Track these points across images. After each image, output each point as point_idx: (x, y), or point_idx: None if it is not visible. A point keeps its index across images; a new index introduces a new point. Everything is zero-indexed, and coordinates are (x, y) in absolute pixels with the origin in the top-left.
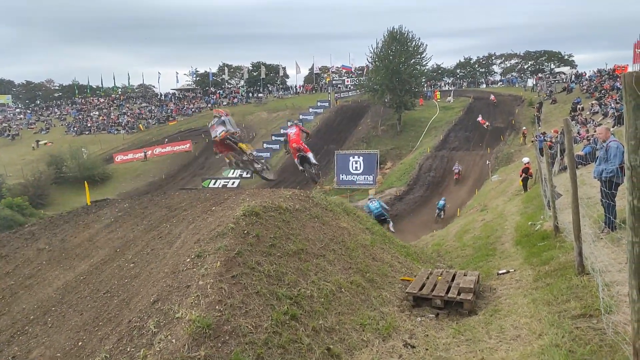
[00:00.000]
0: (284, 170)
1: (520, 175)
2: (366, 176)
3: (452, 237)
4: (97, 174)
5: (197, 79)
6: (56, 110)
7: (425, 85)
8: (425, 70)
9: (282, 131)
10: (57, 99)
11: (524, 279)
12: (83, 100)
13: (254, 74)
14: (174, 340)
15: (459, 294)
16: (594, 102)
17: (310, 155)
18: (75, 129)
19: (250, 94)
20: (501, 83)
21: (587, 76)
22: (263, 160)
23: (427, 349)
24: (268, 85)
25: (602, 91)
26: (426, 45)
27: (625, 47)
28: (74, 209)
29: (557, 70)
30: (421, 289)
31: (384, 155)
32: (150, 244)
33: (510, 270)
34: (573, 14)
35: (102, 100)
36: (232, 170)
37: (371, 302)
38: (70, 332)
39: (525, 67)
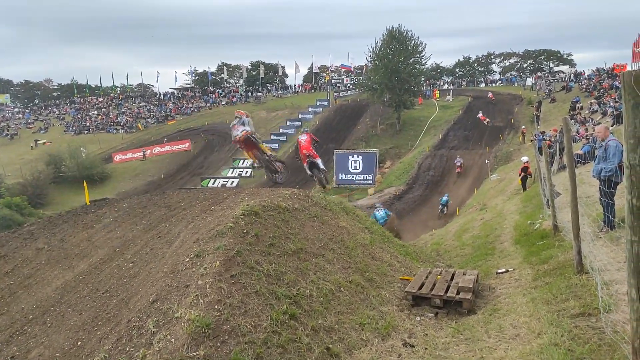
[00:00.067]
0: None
1: (519, 174)
2: (365, 175)
3: (451, 236)
4: (96, 174)
5: (196, 78)
6: (55, 109)
7: (425, 84)
8: (425, 70)
9: (281, 130)
10: (55, 99)
11: (523, 278)
12: (82, 100)
13: (253, 73)
14: (173, 340)
15: (458, 293)
16: (593, 101)
17: (319, 161)
18: (74, 128)
19: (249, 93)
20: (500, 82)
21: (586, 75)
22: (279, 164)
23: (426, 348)
24: (267, 84)
25: (601, 90)
26: (425, 44)
27: (624, 46)
28: (73, 209)
29: (556, 69)
30: (420, 288)
31: (383, 155)
32: (150, 243)
33: (510, 270)
34: (572, 13)
35: (100, 99)
36: (231, 170)
37: (370, 302)
38: (69, 332)
39: (525, 66)
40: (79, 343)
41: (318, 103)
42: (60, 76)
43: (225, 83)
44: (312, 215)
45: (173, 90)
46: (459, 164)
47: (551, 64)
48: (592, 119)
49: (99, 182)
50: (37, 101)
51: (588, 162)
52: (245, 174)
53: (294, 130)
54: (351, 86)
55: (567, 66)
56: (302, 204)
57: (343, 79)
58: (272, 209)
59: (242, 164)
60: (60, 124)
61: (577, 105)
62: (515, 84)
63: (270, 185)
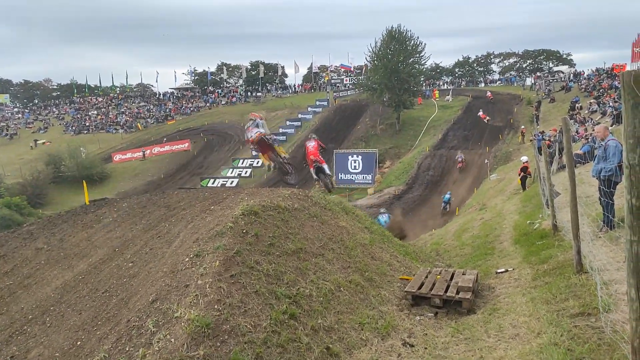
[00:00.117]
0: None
1: (519, 174)
2: (365, 175)
3: (451, 236)
4: (95, 174)
5: (196, 78)
6: (54, 109)
7: (424, 84)
8: (424, 69)
9: (280, 130)
10: (55, 99)
11: (522, 277)
12: (81, 100)
13: (253, 73)
14: (172, 340)
15: (457, 292)
16: (592, 100)
17: (325, 166)
18: (74, 128)
19: (249, 93)
20: (500, 82)
21: (585, 75)
22: (289, 167)
23: (425, 348)
24: (267, 84)
25: (601, 90)
26: (425, 44)
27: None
28: (73, 209)
29: (555, 69)
30: (420, 287)
31: (383, 154)
32: (149, 243)
33: (509, 269)
34: (572, 13)
35: (100, 99)
36: (231, 170)
37: (370, 301)
38: (68, 332)
39: (524, 66)
40: (79, 343)
41: (318, 103)
42: (59, 76)
43: (225, 83)
44: (312, 215)
45: (172, 90)
46: (460, 159)
47: (550, 64)
48: (592, 119)
49: (99, 182)
50: (36, 101)
51: (587, 162)
52: (245, 173)
53: (293, 130)
54: (351, 86)
55: (567, 66)
56: (302, 204)
57: (343, 79)
58: (271, 208)
59: (242, 163)
60: (60, 124)
61: (577, 105)
62: (514, 84)
63: (270, 185)
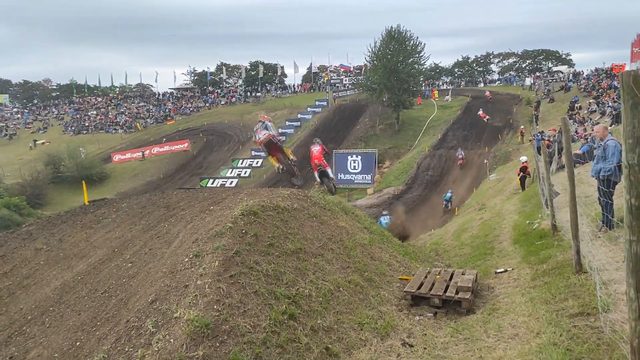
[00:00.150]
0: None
1: (518, 174)
2: (364, 175)
3: (450, 236)
4: (94, 174)
5: (195, 78)
6: (54, 109)
7: (423, 84)
8: (423, 69)
9: (280, 130)
10: (54, 99)
11: (521, 277)
12: (81, 100)
13: (252, 73)
14: (172, 340)
15: (457, 292)
16: (591, 100)
17: (329, 170)
18: (73, 128)
19: (248, 93)
20: (499, 82)
21: (584, 75)
22: (297, 169)
23: (425, 348)
24: (266, 84)
25: (600, 90)
26: (424, 44)
27: (623, 46)
28: (72, 209)
29: (554, 69)
30: (419, 288)
31: (382, 155)
32: (148, 243)
33: (508, 269)
34: (571, 13)
35: (99, 99)
36: (230, 170)
37: (369, 301)
38: (68, 332)
39: (523, 66)
40: (78, 343)
41: (317, 103)
42: (59, 76)
43: (224, 83)
44: (311, 215)
45: (172, 90)
46: (461, 156)
47: (550, 64)
48: (591, 119)
49: (98, 182)
50: (36, 101)
51: (587, 162)
52: (244, 174)
53: (292, 130)
54: (350, 86)
55: (566, 66)
56: (301, 204)
57: (342, 79)
58: (271, 209)
59: (241, 164)
60: (59, 124)
61: (576, 105)
62: (514, 84)
63: (270, 186)
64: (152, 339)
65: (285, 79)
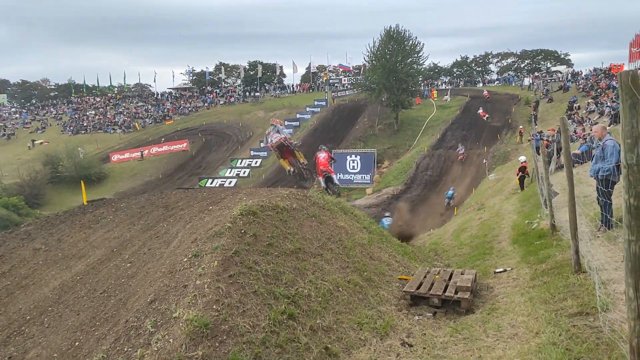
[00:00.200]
0: (282, 170)
1: (517, 174)
2: (363, 175)
3: (450, 236)
4: (93, 174)
5: (194, 78)
6: (52, 109)
7: (422, 84)
8: (422, 69)
9: None
10: (53, 98)
11: (521, 277)
12: (79, 100)
13: (251, 73)
14: (171, 340)
15: (456, 292)
16: (590, 100)
17: (334, 176)
18: (71, 128)
19: (247, 93)
20: (498, 82)
21: (583, 75)
22: (307, 172)
23: (424, 348)
24: (265, 84)
25: (598, 90)
26: (423, 44)
27: (621, 46)
28: (71, 209)
29: (553, 69)
30: (418, 287)
31: (381, 154)
32: (147, 243)
33: (507, 269)
34: (571, 13)
35: (98, 99)
36: (229, 170)
37: (369, 301)
38: (67, 332)
39: (522, 66)
40: (77, 343)
41: (316, 103)
42: (57, 76)
43: (223, 83)
44: (310, 215)
45: (171, 90)
46: (461, 151)
47: (548, 64)
48: (590, 119)
49: (97, 182)
50: (34, 101)
51: (585, 162)
52: (243, 173)
53: (291, 130)
54: (349, 86)
55: (565, 66)
56: (300, 204)
57: (341, 78)
58: (270, 208)
59: (240, 164)
60: (58, 124)
61: (575, 105)
62: (512, 84)
63: (269, 185)
64: (151, 339)
65: (284, 78)
